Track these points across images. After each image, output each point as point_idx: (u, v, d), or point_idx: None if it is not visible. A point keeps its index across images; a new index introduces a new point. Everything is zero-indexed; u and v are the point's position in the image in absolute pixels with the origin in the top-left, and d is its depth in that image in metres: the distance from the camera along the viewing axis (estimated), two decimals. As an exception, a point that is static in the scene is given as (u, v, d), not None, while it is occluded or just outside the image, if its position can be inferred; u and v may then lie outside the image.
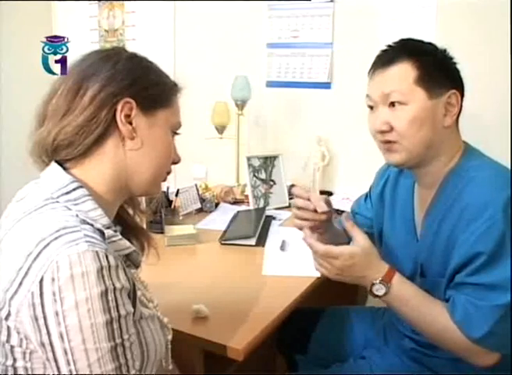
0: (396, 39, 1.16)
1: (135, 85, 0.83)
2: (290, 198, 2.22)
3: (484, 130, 1.94)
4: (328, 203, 1.20)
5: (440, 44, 1.15)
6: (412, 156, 1.10)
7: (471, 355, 1.02)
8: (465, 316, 1.00)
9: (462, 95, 1.12)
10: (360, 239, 1.07)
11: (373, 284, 1.05)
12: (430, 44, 1.15)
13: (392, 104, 1.09)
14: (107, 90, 0.80)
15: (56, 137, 0.80)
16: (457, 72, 1.13)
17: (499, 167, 1.10)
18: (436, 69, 1.09)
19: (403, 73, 1.08)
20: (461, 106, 1.11)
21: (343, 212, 1.87)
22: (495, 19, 1.92)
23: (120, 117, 0.81)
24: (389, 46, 1.15)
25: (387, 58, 1.11)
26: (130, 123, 0.83)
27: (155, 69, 0.89)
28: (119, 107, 0.81)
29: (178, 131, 0.92)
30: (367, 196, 1.46)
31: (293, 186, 2.29)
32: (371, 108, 1.15)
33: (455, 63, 1.13)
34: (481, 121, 1.96)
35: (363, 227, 1.39)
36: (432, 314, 1.04)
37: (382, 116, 1.10)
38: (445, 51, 1.14)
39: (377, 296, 1.06)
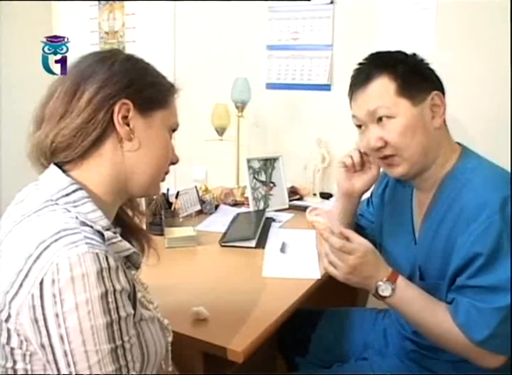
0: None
1: (132, 86, 0.83)
2: (290, 200, 2.22)
3: (484, 131, 1.94)
4: None
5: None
6: (413, 165, 1.11)
7: (476, 357, 1.02)
8: (467, 318, 1.00)
9: (443, 94, 1.13)
10: (363, 240, 1.07)
11: (379, 285, 1.05)
12: (399, 52, 1.16)
13: (380, 119, 1.10)
14: (104, 92, 0.80)
15: (54, 140, 0.80)
16: (433, 72, 1.14)
17: (495, 169, 1.11)
18: (413, 76, 1.10)
19: (383, 87, 1.09)
20: (445, 104, 1.12)
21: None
22: (494, 20, 1.92)
23: (117, 119, 0.81)
24: (361, 64, 1.17)
25: (364, 76, 1.13)
26: (128, 125, 0.83)
27: (152, 70, 0.89)
28: (116, 108, 0.81)
29: (176, 132, 0.92)
30: (369, 200, 1.47)
31: (293, 188, 2.30)
32: (360, 127, 1.16)
33: (427, 64, 1.15)
34: (481, 122, 1.96)
35: (367, 231, 1.39)
36: (435, 316, 1.05)
37: (374, 134, 1.12)
38: (414, 55, 1.15)
39: (382, 297, 1.06)
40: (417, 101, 1.09)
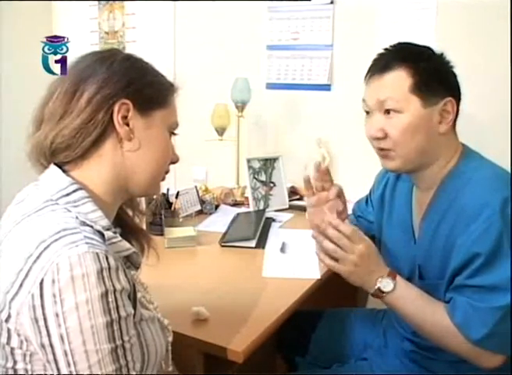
0: (396, 41, 1.16)
1: (131, 86, 0.83)
2: (290, 200, 2.22)
3: (484, 131, 1.94)
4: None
5: (439, 46, 1.14)
6: (407, 163, 1.11)
7: (474, 357, 1.02)
8: (465, 318, 1.00)
9: (459, 101, 1.11)
10: (364, 235, 1.08)
11: (380, 280, 1.06)
12: (427, 48, 1.14)
13: (388, 111, 1.09)
14: (103, 92, 0.80)
15: (54, 140, 0.80)
16: (454, 77, 1.12)
17: (496, 169, 1.11)
18: (432, 77, 1.08)
19: (399, 80, 1.08)
20: (458, 111, 1.11)
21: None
22: (494, 21, 1.92)
23: (117, 119, 0.81)
24: (386, 50, 1.14)
25: (383, 63, 1.11)
26: (127, 125, 0.83)
27: (151, 69, 0.89)
28: (116, 108, 0.81)
29: (175, 131, 0.92)
30: (367, 199, 1.46)
31: (293, 188, 2.30)
32: (367, 113, 1.15)
33: (452, 67, 1.13)
34: (480, 123, 1.96)
35: (366, 231, 1.39)
36: (433, 315, 1.05)
37: (377, 123, 1.11)
38: (442, 55, 1.13)
39: (383, 293, 1.06)
40: (429, 103, 1.07)
